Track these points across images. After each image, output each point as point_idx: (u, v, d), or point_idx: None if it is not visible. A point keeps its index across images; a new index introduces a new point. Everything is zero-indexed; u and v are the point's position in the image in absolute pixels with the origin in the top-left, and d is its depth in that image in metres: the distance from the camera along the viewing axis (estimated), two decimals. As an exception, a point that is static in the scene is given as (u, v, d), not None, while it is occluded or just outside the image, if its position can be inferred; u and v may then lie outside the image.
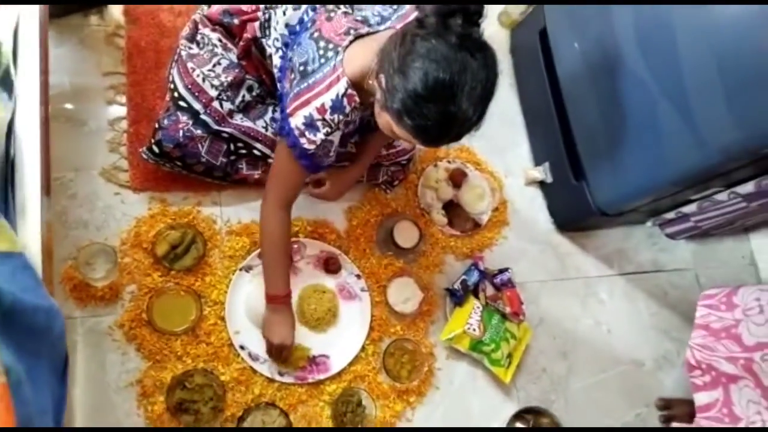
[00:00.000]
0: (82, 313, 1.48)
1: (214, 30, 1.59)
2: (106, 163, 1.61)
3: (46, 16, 1.30)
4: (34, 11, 1.18)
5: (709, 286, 2.03)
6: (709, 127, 1.40)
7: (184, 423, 1.44)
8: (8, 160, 1.06)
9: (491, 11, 2.13)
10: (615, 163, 1.72)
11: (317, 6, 1.33)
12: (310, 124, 1.28)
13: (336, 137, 1.33)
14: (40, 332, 0.95)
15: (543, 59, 1.94)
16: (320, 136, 1.29)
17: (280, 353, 1.52)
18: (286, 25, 1.38)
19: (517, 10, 2.09)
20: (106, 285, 1.49)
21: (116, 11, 1.73)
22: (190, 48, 1.57)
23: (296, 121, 1.29)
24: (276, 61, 1.42)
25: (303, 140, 1.30)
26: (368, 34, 1.29)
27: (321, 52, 1.27)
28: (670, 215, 1.88)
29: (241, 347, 1.55)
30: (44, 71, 1.21)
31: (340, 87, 1.25)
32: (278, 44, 1.41)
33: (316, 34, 1.28)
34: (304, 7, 1.36)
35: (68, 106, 1.64)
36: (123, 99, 1.66)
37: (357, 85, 1.26)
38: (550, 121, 1.92)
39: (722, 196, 1.65)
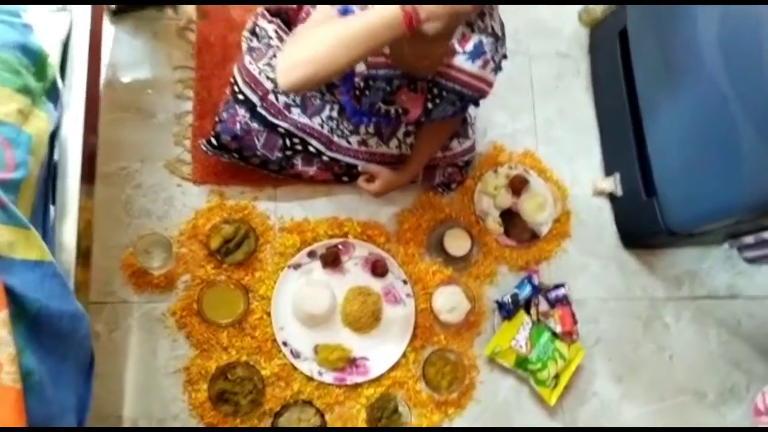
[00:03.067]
0: (139, 298, 1.53)
1: (270, 22, 1.57)
2: (171, 155, 1.64)
3: (98, 25, 1.32)
4: (85, 19, 1.20)
5: (792, 318, 1.86)
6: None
7: (223, 413, 1.47)
8: (50, 166, 1.10)
9: (572, 9, 1.99)
10: (689, 182, 1.56)
11: None
12: None
13: None
14: (65, 336, 0.99)
15: (622, 62, 1.79)
16: None
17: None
18: None
19: (598, 8, 1.92)
20: (162, 273, 1.53)
21: (189, 5, 1.74)
22: (250, 41, 1.57)
23: None
24: None
25: None
26: None
27: None
28: (749, 240, 1.68)
29: (284, 343, 1.55)
30: (94, 77, 1.23)
31: None
32: None
33: None
34: None
35: (149, 91, 1.67)
36: (190, 93, 1.68)
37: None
38: (625, 130, 1.77)
39: (808, 226, 1.46)
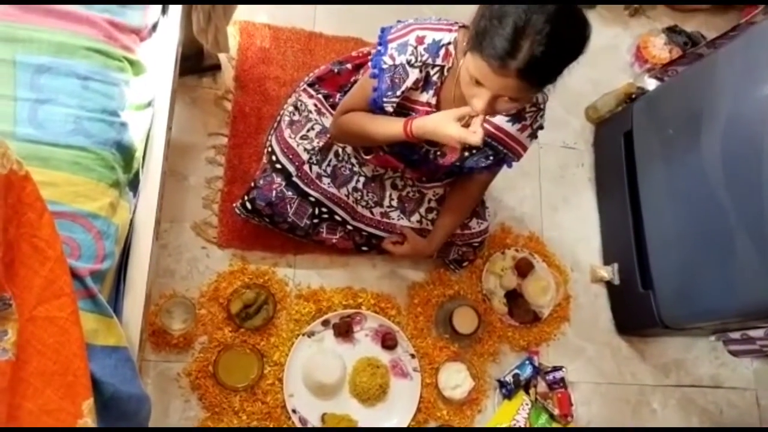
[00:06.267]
0: (156, 357, 1.50)
1: (311, 97, 1.62)
2: (199, 218, 1.64)
3: (172, 117, 1.36)
4: (164, 112, 1.24)
5: (769, 411, 1.88)
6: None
7: (230, 478, 1.43)
8: (125, 249, 1.11)
9: (580, 104, 2.04)
10: (684, 281, 1.60)
11: None
12: (402, 46, 1.25)
13: (411, 77, 1.27)
14: (129, 417, 1.00)
15: (625, 161, 1.84)
16: (401, 59, 1.25)
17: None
18: None
19: (604, 108, 1.98)
20: (181, 334, 1.51)
21: (228, 76, 1.76)
22: (293, 114, 1.61)
23: (392, 45, 1.26)
24: None
25: (386, 56, 1.27)
26: None
27: (444, 20, 1.27)
28: (735, 335, 1.72)
29: (293, 410, 1.53)
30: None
31: (447, 37, 1.22)
32: None
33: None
34: None
35: (175, 159, 1.66)
36: (222, 159, 1.69)
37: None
38: (625, 224, 1.81)
39: (794, 331, 1.50)
